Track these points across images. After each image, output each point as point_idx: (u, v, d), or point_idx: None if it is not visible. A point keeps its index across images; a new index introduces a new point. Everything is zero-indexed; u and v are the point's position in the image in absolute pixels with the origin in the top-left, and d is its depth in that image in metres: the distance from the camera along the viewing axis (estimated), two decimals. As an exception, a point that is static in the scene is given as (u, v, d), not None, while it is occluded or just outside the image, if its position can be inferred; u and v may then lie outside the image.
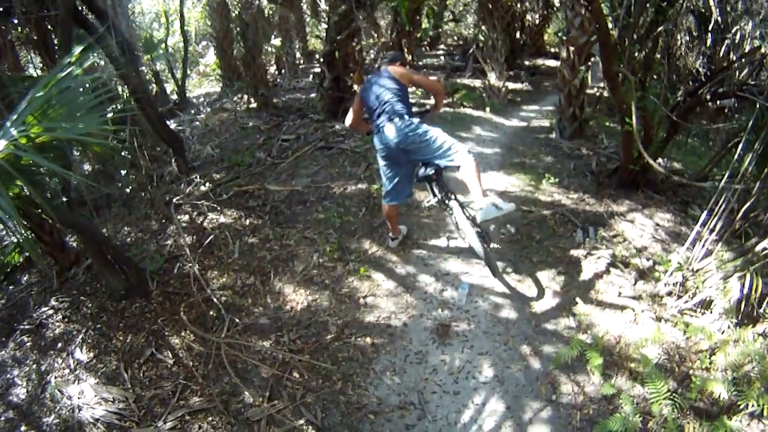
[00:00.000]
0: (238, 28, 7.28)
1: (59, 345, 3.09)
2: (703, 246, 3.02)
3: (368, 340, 2.94)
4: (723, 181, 2.77)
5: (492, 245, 3.58)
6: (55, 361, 2.98)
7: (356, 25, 5.74)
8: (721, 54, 4.52)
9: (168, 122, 5.65)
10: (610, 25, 3.54)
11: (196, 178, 4.99)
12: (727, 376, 2.39)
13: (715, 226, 2.95)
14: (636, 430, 2.22)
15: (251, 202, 4.53)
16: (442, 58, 10.95)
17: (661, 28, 3.54)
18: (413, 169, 3.33)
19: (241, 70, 8.50)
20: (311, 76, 9.95)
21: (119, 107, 3.73)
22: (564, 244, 3.72)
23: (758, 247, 2.79)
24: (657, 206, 4.15)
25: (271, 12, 9.93)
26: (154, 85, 8.36)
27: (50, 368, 2.94)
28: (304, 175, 4.96)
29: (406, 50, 9.05)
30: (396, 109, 3.04)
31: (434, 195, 3.42)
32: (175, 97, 8.77)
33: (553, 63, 10.78)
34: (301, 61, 11.32)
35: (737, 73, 3.65)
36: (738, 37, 4.15)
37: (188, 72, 9.98)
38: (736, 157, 3.04)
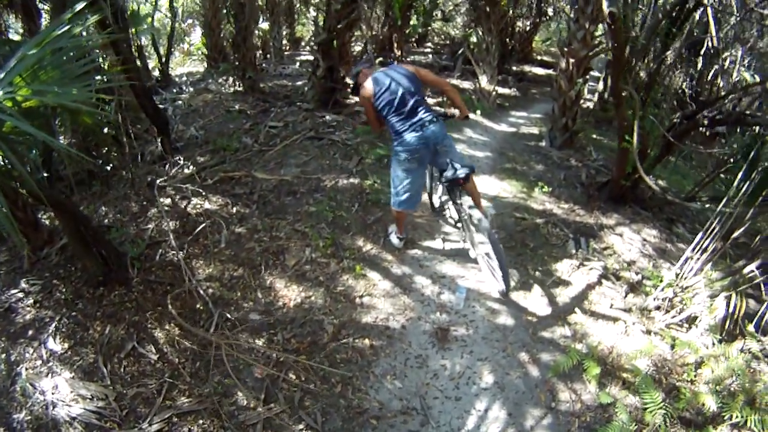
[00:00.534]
0: (230, 8, 6.94)
1: (30, 332, 2.83)
2: (693, 265, 3.14)
3: (367, 341, 2.86)
4: (721, 205, 2.87)
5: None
6: (26, 350, 2.72)
7: (357, 14, 5.58)
8: (709, 78, 4.72)
9: (151, 99, 5.31)
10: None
11: (180, 159, 4.72)
12: (713, 388, 2.50)
13: (706, 247, 3.06)
14: (632, 438, 2.28)
15: (238, 189, 4.35)
16: (430, 56, 10.91)
17: (669, 52, 3.64)
18: (426, 174, 3.35)
19: (228, 51, 8.17)
20: (298, 63, 9.69)
21: (107, 78, 3.44)
22: (557, 254, 3.77)
23: (745, 270, 2.93)
24: (644, 222, 4.27)
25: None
26: (138, 61, 7.90)
27: (20, 358, 2.68)
28: (293, 164, 4.80)
29: (395, 45, 8.95)
30: (431, 109, 3.05)
31: (455, 202, 3.36)
32: (157, 74, 8.30)
33: (539, 71, 10.97)
34: (287, 48, 11.00)
35: (739, 101, 3.80)
36: (728, 63, 4.34)
37: (172, 49, 9.47)
38: (730, 181, 3.17)
